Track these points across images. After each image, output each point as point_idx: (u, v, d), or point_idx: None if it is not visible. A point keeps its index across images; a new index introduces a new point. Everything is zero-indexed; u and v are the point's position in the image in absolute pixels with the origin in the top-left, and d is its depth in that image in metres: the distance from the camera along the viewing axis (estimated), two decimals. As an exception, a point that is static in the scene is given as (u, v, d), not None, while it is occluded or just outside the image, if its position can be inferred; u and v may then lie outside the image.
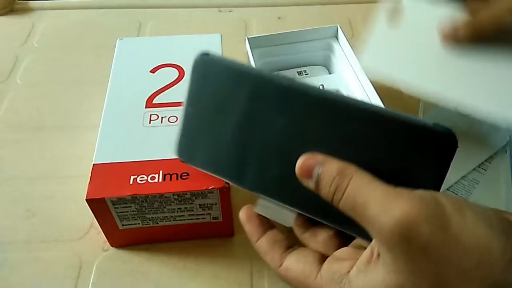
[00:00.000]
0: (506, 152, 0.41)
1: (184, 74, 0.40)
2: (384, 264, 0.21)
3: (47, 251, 0.37)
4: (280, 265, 0.26)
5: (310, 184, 0.24)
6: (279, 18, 0.59)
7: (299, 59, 0.44)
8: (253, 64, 0.40)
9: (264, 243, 0.27)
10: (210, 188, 0.32)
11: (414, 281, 0.20)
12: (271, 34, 0.43)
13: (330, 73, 0.44)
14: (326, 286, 0.24)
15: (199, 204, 0.33)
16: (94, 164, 0.33)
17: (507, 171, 0.40)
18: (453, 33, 0.31)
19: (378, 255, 0.22)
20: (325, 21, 0.58)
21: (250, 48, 0.42)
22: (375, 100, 0.37)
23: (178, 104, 0.37)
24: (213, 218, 0.35)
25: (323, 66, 0.45)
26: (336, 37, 0.44)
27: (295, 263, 0.25)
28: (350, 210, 0.22)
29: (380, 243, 0.21)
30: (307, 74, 0.43)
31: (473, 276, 0.19)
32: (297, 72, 0.43)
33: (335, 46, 0.44)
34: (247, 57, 0.41)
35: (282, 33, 0.43)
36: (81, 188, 0.32)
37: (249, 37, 0.42)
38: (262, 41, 0.43)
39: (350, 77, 0.41)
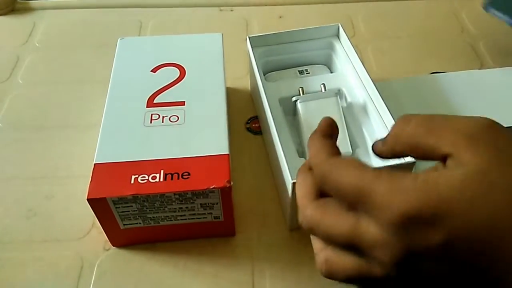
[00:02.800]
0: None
1: (185, 74, 0.40)
2: (459, 163, 0.21)
3: (48, 251, 0.37)
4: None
5: None
6: (280, 17, 0.59)
7: (301, 58, 0.44)
8: (254, 63, 0.40)
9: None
10: (211, 187, 0.32)
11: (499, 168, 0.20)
12: (272, 33, 0.43)
13: (331, 72, 0.44)
14: (391, 184, 0.21)
15: (200, 204, 0.33)
16: (95, 164, 0.33)
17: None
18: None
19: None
20: (326, 20, 0.58)
21: (251, 47, 0.41)
22: (376, 99, 0.37)
23: (179, 103, 0.37)
24: (214, 218, 0.35)
25: (324, 65, 0.45)
26: (338, 35, 0.44)
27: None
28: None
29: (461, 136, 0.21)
30: (308, 73, 0.43)
31: None
32: (298, 71, 0.43)
33: (337, 45, 0.43)
34: (248, 56, 0.41)
35: (284, 32, 0.43)
36: (82, 187, 0.32)
37: (250, 36, 0.42)
38: (263, 40, 0.43)
39: (351, 76, 0.41)
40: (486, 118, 0.22)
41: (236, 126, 0.45)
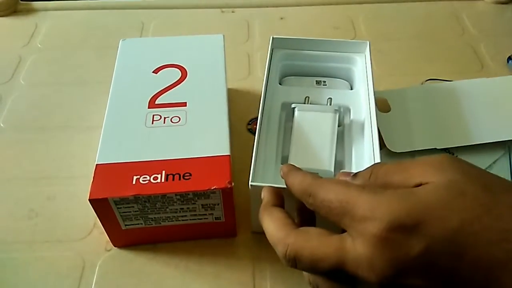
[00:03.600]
0: (509, 157, 0.41)
1: (186, 75, 0.40)
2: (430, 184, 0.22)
3: (50, 251, 0.37)
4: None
5: None
6: (281, 18, 0.59)
7: (322, 69, 0.43)
8: (267, 62, 0.40)
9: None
10: (212, 188, 0.32)
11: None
12: (297, 38, 0.42)
13: (351, 89, 0.42)
14: (373, 196, 0.22)
15: (202, 204, 0.33)
16: (97, 164, 0.33)
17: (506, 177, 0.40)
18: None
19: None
20: (327, 22, 0.58)
21: (272, 48, 0.41)
22: (373, 124, 0.36)
23: (181, 104, 0.37)
24: (216, 218, 0.35)
25: (346, 80, 0.43)
26: (365, 53, 0.43)
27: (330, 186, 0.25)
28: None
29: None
30: (325, 85, 0.42)
31: None
32: (316, 81, 0.42)
33: (360, 62, 0.42)
34: (266, 56, 0.41)
35: (310, 39, 0.42)
36: (84, 188, 0.32)
37: (274, 36, 0.42)
38: (287, 43, 0.42)
39: (363, 97, 0.40)
40: (448, 154, 0.25)
41: (237, 127, 0.45)
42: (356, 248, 0.22)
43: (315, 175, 0.27)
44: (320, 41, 0.42)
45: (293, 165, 0.30)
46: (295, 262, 0.24)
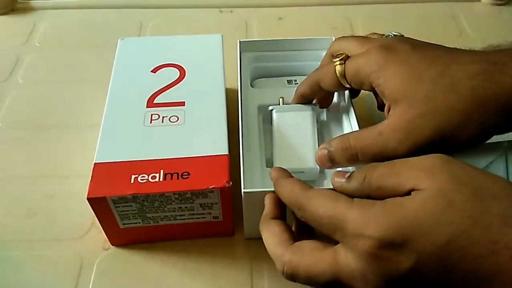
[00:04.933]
0: (505, 158, 0.41)
1: (185, 74, 0.40)
2: (420, 191, 0.23)
3: (48, 250, 0.37)
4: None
5: None
6: (279, 18, 0.59)
7: (292, 68, 0.43)
8: (238, 67, 0.40)
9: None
10: (210, 187, 0.32)
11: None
12: (264, 40, 0.42)
13: None
14: (362, 212, 0.23)
15: (200, 204, 0.33)
16: (95, 163, 0.33)
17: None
18: (328, 158, 0.31)
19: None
20: (325, 22, 0.58)
21: (240, 51, 0.41)
22: (352, 118, 0.37)
23: (179, 104, 0.37)
24: (214, 218, 0.35)
25: None
26: None
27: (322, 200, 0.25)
28: None
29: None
30: (297, 83, 0.42)
31: None
32: (287, 80, 0.43)
33: None
34: (236, 59, 0.41)
35: (276, 39, 0.42)
36: (82, 187, 0.32)
37: (241, 40, 0.42)
38: (255, 46, 0.42)
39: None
40: (440, 154, 0.24)
41: (235, 126, 0.45)
42: (349, 261, 0.23)
43: (303, 184, 0.27)
44: (286, 40, 0.42)
45: (281, 170, 0.30)
46: (293, 278, 0.25)
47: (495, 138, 0.41)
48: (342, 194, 0.25)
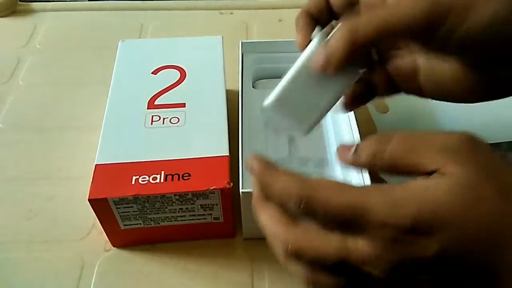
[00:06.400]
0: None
1: (185, 76, 0.40)
2: (444, 175, 0.21)
3: (48, 251, 0.37)
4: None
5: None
6: (279, 20, 0.59)
7: None
8: (239, 68, 0.40)
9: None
10: (211, 188, 0.32)
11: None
12: (266, 41, 0.42)
13: None
14: (385, 200, 0.21)
15: (200, 205, 0.33)
16: (96, 165, 0.33)
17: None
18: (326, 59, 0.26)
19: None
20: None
21: (242, 52, 0.41)
22: (351, 119, 0.37)
23: (179, 105, 0.37)
24: (214, 219, 0.35)
25: None
26: None
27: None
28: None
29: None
30: None
31: None
32: None
33: None
34: (238, 61, 0.41)
35: (278, 41, 0.43)
36: (83, 188, 0.32)
37: (243, 41, 0.42)
38: (257, 47, 0.42)
39: None
40: (465, 133, 0.22)
41: (236, 127, 0.45)
42: (362, 247, 0.22)
43: (298, 174, 0.24)
44: (288, 42, 0.42)
45: (262, 159, 0.25)
46: (297, 258, 0.24)
47: (494, 139, 0.42)
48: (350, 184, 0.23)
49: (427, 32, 0.24)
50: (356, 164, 0.25)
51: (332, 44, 0.26)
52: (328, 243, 0.23)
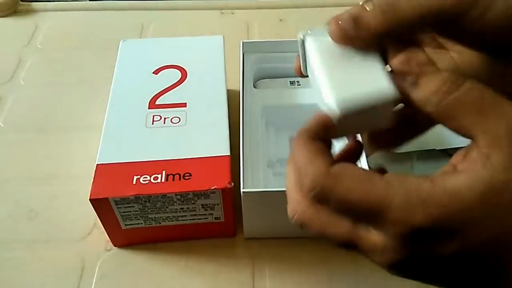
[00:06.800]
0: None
1: (186, 75, 0.40)
2: (485, 163, 0.20)
3: (50, 251, 0.37)
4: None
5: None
6: (280, 20, 0.59)
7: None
8: (241, 68, 0.40)
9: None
10: (212, 188, 0.32)
11: None
12: (267, 41, 0.42)
13: None
14: (407, 198, 0.20)
15: (202, 204, 0.33)
16: (97, 164, 0.33)
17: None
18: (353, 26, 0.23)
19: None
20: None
21: (243, 52, 0.41)
22: None
23: (180, 105, 0.37)
24: (215, 218, 0.35)
25: None
26: None
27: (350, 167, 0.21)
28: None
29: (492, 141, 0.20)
30: (299, 84, 0.42)
31: None
32: (290, 81, 0.43)
33: None
34: (239, 60, 0.41)
35: (279, 40, 0.43)
36: (84, 188, 0.32)
37: (244, 41, 0.42)
38: (258, 47, 0.42)
39: None
40: None
41: (237, 127, 0.45)
42: (372, 237, 0.21)
43: (327, 157, 0.21)
44: (289, 42, 0.42)
45: (309, 129, 0.23)
46: (325, 202, 0.21)
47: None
48: (373, 171, 0.21)
49: (453, 18, 0.22)
50: (418, 100, 0.21)
51: (366, 14, 0.22)
52: (340, 223, 0.22)
